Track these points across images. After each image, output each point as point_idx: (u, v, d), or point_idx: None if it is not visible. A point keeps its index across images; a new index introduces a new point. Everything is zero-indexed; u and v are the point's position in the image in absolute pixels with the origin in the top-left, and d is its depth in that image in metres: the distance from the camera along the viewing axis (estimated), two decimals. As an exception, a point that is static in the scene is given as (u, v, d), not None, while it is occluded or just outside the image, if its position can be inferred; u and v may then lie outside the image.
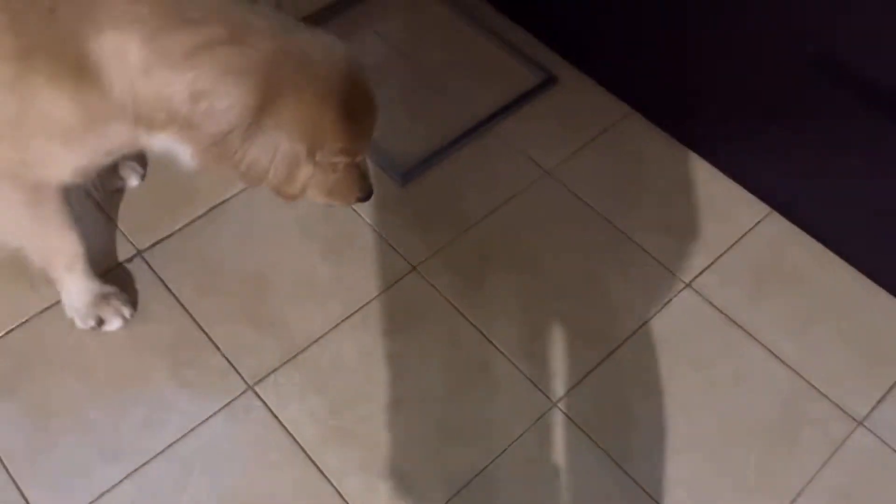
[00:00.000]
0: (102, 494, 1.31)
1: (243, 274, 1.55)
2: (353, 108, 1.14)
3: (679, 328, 1.52)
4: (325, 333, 1.49)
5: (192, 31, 1.06)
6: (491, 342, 1.49)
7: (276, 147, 1.11)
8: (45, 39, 1.08)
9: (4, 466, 1.32)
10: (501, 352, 1.48)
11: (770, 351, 1.49)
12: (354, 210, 1.62)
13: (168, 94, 1.08)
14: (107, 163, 1.47)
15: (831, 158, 1.53)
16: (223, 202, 1.64)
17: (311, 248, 1.59)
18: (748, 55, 1.54)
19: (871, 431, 1.41)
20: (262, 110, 1.08)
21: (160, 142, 1.18)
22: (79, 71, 1.09)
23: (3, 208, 1.31)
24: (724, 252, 1.62)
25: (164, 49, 1.06)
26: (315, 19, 1.90)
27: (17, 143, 1.19)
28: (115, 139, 1.20)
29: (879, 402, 1.44)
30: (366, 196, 1.28)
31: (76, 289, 1.45)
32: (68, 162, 1.24)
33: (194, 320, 1.49)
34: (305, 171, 1.16)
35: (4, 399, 1.39)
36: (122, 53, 1.07)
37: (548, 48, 1.90)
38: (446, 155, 1.73)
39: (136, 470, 1.33)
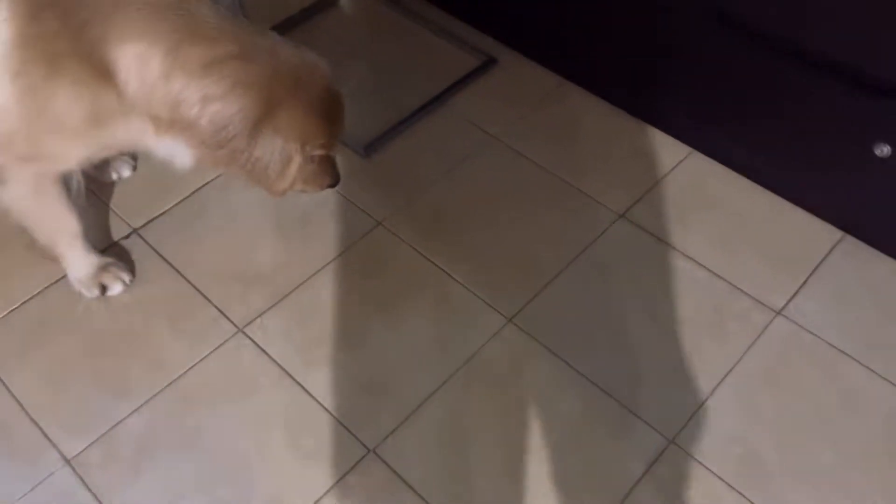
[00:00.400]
0: (114, 426, 1.46)
1: (229, 241, 1.74)
2: (330, 111, 1.36)
3: (615, 252, 1.71)
4: (305, 280, 1.67)
5: (208, 46, 1.24)
6: (451, 276, 1.67)
7: (275, 147, 1.31)
8: (75, 47, 1.24)
9: (25, 411, 1.48)
10: (461, 283, 1.66)
11: (696, 262, 1.68)
12: (324, 180, 1.82)
13: (182, 98, 1.25)
14: (109, 155, 1.68)
15: (736, 98, 1.74)
16: (206, 184, 1.83)
17: (287, 215, 1.78)
18: (654, 18, 1.78)
19: (789, 319, 1.59)
20: (264, 117, 1.27)
21: (164, 145, 1.36)
22: (100, 74, 1.26)
23: (11, 197, 1.49)
24: (653, 187, 1.82)
25: (185, 59, 1.23)
26: (278, 29, 2.14)
27: (31, 137, 1.36)
28: (121, 136, 1.37)
29: (794, 295, 1.63)
30: (335, 182, 1.49)
31: (78, 264, 1.63)
32: (76, 154, 1.42)
33: (188, 281, 1.67)
34: (295, 166, 1.36)
35: (23, 359, 1.55)
36: (145, 61, 1.23)
37: (486, 35, 2.13)
38: (402, 129, 1.94)
39: (142, 405, 1.49)
